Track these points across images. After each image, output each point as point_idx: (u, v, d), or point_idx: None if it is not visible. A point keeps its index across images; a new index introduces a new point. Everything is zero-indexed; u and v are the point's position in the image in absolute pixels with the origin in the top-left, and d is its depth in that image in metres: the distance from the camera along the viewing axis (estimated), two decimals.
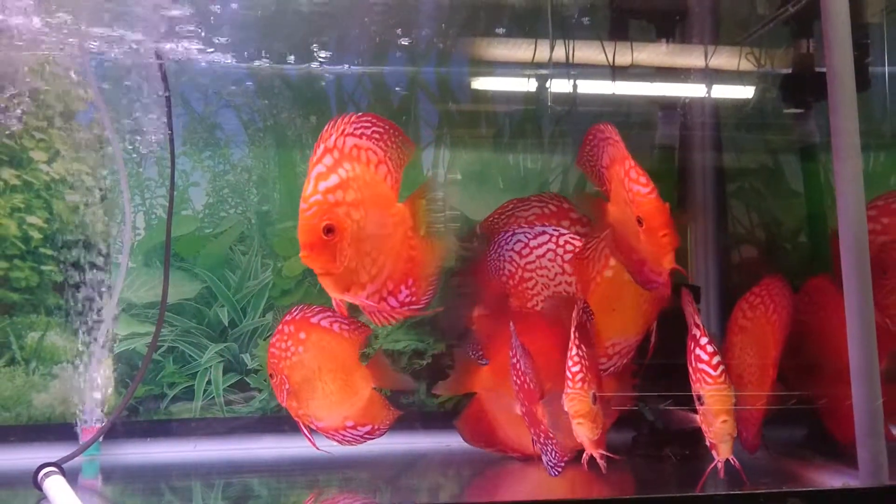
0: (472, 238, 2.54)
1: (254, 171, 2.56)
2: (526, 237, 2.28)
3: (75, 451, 2.08)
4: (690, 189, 2.64)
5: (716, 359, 1.92)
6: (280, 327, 2.10)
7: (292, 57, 2.50)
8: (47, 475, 1.87)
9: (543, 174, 2.69)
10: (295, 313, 2.11)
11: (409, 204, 1.96)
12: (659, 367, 2.24)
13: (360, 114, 1.88)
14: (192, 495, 2.11)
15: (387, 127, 1.92)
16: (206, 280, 2.52)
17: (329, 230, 1.74)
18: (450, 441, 2.37)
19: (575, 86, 2.54)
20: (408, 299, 1.95)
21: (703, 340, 1.94)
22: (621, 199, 2.00)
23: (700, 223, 2.63)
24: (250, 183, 2.55)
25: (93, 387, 2.29)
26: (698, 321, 1.98)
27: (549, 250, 2.26)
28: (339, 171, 1.79)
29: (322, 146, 1.80)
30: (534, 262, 2.27)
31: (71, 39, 2.20)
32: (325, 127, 1.83)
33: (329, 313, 2.12)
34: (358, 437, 2.14)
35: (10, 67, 2.31)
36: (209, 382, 2.51)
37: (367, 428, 2.14)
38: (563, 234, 2.25)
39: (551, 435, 1.96)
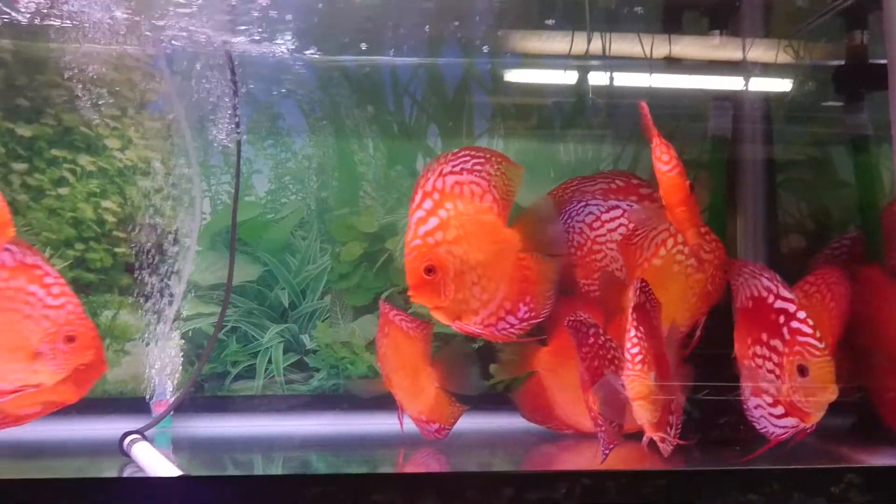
0: None
1: (314, 160, 2.66)
2: (599, 210, 2.31)
3: (152, 422, 2.21)
4: (741, 180, 2.67)
5: (818, 332, 1.92)
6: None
7: (351, 48, 2.59)
8: (133, 441, 2.01)
9: (594, 164, 2.74)
10: (384, 308, 2.25)
11: (517, 227, 2.10)
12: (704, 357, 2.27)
13: (456, 150, 2.04)
14: (254, 467, 2.22)
15: (487, 156, 2.07)
16: (267, 263, 2.63)
17: (430, 270, 1.95)
18: (501, 422, 2.46)
19: (613, 78, 2.60)
20: (527, 315, 2.12)
21: (802, 315, 1.93)
22: (656, 176, 2.06)
23: (750, 213, 2.66)
24: (310, 171, 2.66)
25: (163, 363, 2.42)
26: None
27: (620, 224, 2.29)
28: (440, 212, 1.98)
29: (420, 191, 1.98)
30: (604, 235, 2.31)
31: (145, 32, 2.32)
32: (423, 171, 2.01)
33: (399, 312, 2.24)
34: (431, 433, 2.24)
35: (89, 59, 2.45)
36: (270, 361, 2.63)
37: (436, 426, 2.23)
38: None
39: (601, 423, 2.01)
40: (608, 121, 2.76)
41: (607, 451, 1.97)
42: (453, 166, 2.02)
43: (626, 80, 2.70)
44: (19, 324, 1.81)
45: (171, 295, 2.47)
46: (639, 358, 1.93)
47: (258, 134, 2.61)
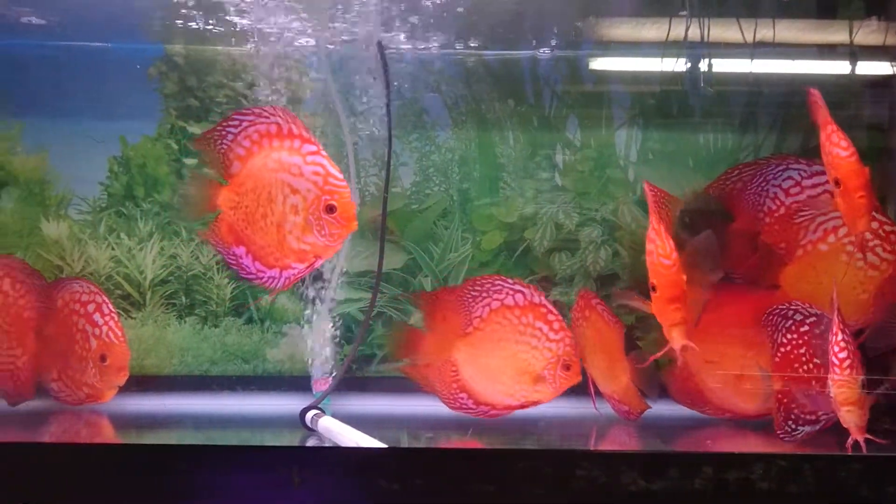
0: None
1: (456, 152, 2.76)
2: (800, 175, 2.29)
3: (320, 397, 2.37)
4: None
5: None
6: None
7: (492, 43, 2.68)
8: (317, 416, 2.17)
9: (734, 153, 2.73)
10: (587, 294, 2.36)
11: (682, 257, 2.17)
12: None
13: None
14: (400, 442, 2.34)
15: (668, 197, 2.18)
16: (412, 252, 2.75)
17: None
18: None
19: (754, 67, 2.61)
20: None
21: None
22: (824, 163, 2.05)
23: None
24: (453, 163, 2.76)
25: (318, 344, 2.58)
26: None
27: (825, 191, 2.22)
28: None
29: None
30: (803, 201, 2.29)
31: (303, 33, 2.48)
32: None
33: (601, 301, 2.34)
34: (623, 413, 2.33)
35: (251, 60, 2.64)
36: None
37: (627, 408, 2.32)
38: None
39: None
40: (748, 110, 2.75)
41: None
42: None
43: (768, 67, 2.70)
44: (527, 353, 2.19)
45: (325, 280, 2.63)
46: (847, 363, 1.90)
47: (404, 128, 2.73)
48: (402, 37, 2.54)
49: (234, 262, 1.99)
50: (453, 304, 2.25)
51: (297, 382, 2.61)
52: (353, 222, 1.93)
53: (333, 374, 2.50)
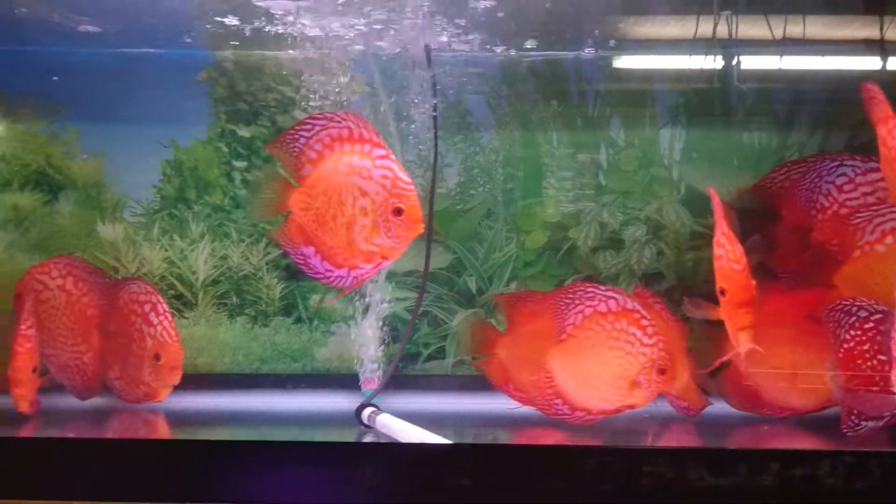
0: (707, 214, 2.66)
1: (500, 153, 2.79)
2: (854, 171, 2.28)
3: (372, 395, 2.42)
4: None
5: None
6: None
7: (536, 44, 2.70)
8: (374, 413, 2.22)
9: (779, 151, 2.73)
10: (643, 292, 2.38)
11: None
12: None
13: None
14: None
15: None
16: (456, 252, 2.79)
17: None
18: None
19: (799, 64, 2.61)
20: None
21: None
22: (883, 157, 2.01)
23: None
24: (497, 163, 2.79)
25: (365, 343, 2.63)
26: None
27: (880, 189, 2.23)
28: None
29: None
30: (856, 199, 2.29)
31: (351, 36, 2.53)
32: None
33: (659, 300, 2.37)
34: (681, 408, 2.36)
35: (298, 64, 2.69)
36: (459, 344, 2.79)
37: (686, 404, 2.35)
38: None
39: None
40: (792, 107, 2.74)
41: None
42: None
43: (812, 64, 2.69)
44: (622, 359, 2.20)
45: (373, 281, 2.67)
46: None
47: (449, 129, 2.76)
48: (447, 39, 2.57)
49: (301, 261, 2.04)
50: (546, 311, 2.28)
51: (345, 381, 2.66)
52: (419, 224, 1.97)
53: (382, 372, 2.56)
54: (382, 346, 2.62)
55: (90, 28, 2.50)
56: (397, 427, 2.05)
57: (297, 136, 2.02)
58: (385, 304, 2.68)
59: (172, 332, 2.39)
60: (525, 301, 2.34)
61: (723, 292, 2.10)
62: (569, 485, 1.61)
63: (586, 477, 1.61)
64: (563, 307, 2.24)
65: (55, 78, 2.69)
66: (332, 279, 2.03)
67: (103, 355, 2.45)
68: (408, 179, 1.98)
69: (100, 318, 2.45)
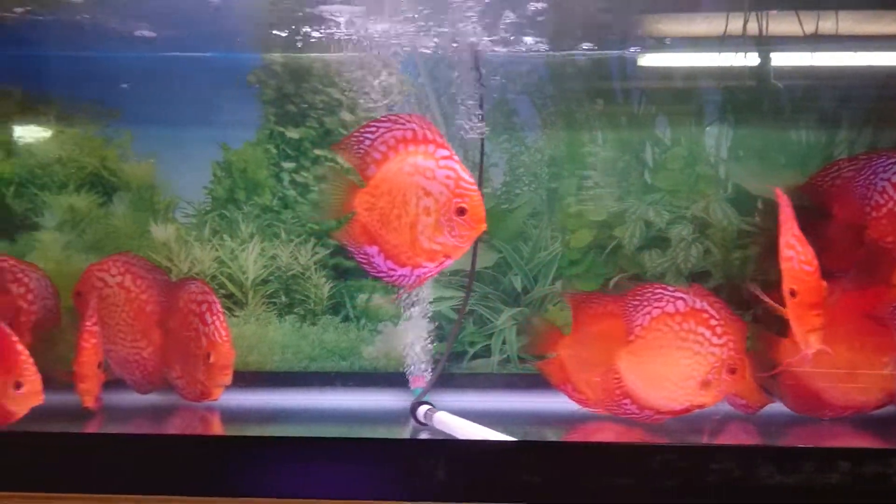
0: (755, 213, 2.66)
1: (545, 152, 2.80)
2: None
3: (422, 393, 2.46)
4: None
5: None
6: None
7: (581, 44, 2.70)
8: (431, 411, 2.25)
9: (827, 149, 2.71)
10: (700, 291, 2.34)
11: None
12: None
13: None
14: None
15: None
16: (502, 251, 2.80)
17: None
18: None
19: (847, 61, 2.60)
20: None
21: None
22: None
23: None
24: (542, 162, 2.80)
25: (413, 342, 2.66)
26: None
27: None
28: None
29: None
30: None
31: (398, 37, 2.56)
32: None
33: (717, 300, 2.33)
34: (739, 406, 2.37)
35: (345, 66, 2.73)
36: (504, 343, 2.81)
37: (744, 401, 2.36)
38: None
39: None
40: (840, 105, 2.72)
41: None
42: None
43: (862, 61, 2.66)
44: (691, 359, 2.22)
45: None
46: None
47: (494, 129, 2.78)
48: (493, 39, 2.59)
49: (364, 261, 2.08)
50: (613, 313, 2.30)
51: (392, 379, 2.70)
52: (482, 224, 2.00)
53: (431, 371, 2.58)
54: (429, 345, 2.65)
55: (146, 33, 2.56)
56: (457, 425, 2.07)
57: (362, 138, 2.06)
58: (431, 304, 2.72)
59: (223, 333, 2.42)
60: (592, 302, 2.36)
61: (793, 293, 2.10)
62: (635, 482, 1.62)
63: (652, 474, 1.62)
64: (631, 309, 2.26)
65: (110, 82, 2.76)
66: (395, 278, 2.07)
67: (165, 352, 2.50)
68: (471, 179, 2.01)
69: (160, 314, 2.51)
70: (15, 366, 1.98)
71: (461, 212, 1.98)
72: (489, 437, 1.90)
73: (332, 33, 2.58)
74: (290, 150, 2.81)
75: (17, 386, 1.98)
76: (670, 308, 2.23)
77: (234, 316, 2.77)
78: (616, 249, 2.77)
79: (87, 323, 2.32)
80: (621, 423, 2.31)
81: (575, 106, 2.79)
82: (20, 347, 2.01)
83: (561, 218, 2.80)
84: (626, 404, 2.25)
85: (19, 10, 2.31)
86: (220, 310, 2.45)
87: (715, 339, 2.20)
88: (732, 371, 2.21)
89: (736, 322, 2.28)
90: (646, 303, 2.24)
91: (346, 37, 2.59)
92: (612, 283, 2.76)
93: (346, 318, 2.81)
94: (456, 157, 2.03)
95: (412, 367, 2.59)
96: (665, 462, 1.61)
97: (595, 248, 2.79)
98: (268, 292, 2.80)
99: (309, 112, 2.80)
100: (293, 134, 2.81)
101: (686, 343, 2.22)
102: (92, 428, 2.23)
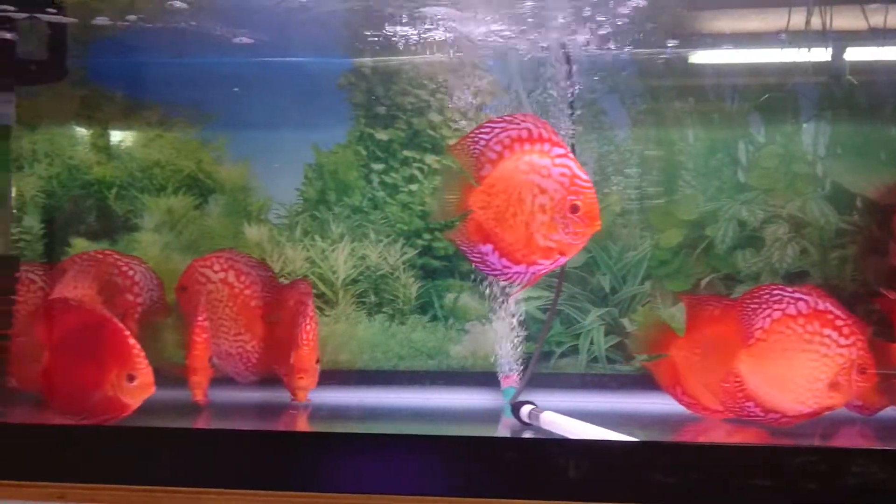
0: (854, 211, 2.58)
1: (635, 151, 2.78)
2: None
3: (517, 392, 2.45)
4: None
5: None
6: None
7: (670, 41, 2.66)
8: (536, 411, 2.23)
9: None
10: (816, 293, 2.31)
11: None
12: None
13: None
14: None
15: None
16: (590, 250, 2.78)
17: None
18: None
19: None
20: None
21: None
22: None
23: None
24: (631, 162, 2.78)
25: (501, 342, 2.66)
26: None
27: None
28: None
29: None
30: None
31: (485, 38, 2.57)
32: None
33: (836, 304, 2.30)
34: (853, 407, 2.30)
35: (433, 69, 2.77)
36: (591, 343, 2.80)
37: (860, 403, 2.28)
38: None
39: None
40: None
41: None
42: None
43: None
44: (817, 361, 2.19)
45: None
46: None
47: (584, 128, 2.76)
48: (583, 39, 2.58)
49: (478, 259, 2.09)
50: (731, 316, 2.26)
51: (479, 378, 2.71)
52: (596, 222, 2.00)
53: (522, 371, 2.58)
54: (519, 345, 2.65)
55: (244, 40, 2.62)
56: (569, 425, 2.05)
57: (477, 139, 2.07)
58: (520, 303, 2.72)
59: (305, 336, 2.42)
60: (708, 304, 2.33)
61: None
62: (775, 484, 1.59)
63: (793, 476, 1.59)
64: (750, 312, 2.21)
65: (207, 87, 2.83)
66: (509, 275, 2.07)
67: (269, 346, 2.53)
68: (585, 177, 2.00)
69: (264, 309, 2.55)
70: (128, 359, 2.03)
71: (575, 209, 1.97)
72: (607, 437, 1.88)
73: (422, 35, 2.60)
74: (380, 151, 2.85)
75: (131, 378, 2.03)
76: (791, 310, 2.18)
77: (325, 315, 2.82)
78: (707, 249, 2.73)
79: (199, 318, 2.39)
80: (726, 426, 2.28)
81: (665, 104, 2.76)
82: (132, 341, 2.05)
83: (651, 217, 2.78)
84: (749, 407, 2.22)
85: (132, 17, 2.41)
86: (311, 313, 2.44)
87: (843, 340, 2.15)
88: (863, 371, 2.15)
89: (858, 321, 2.21)
90: (764, 305, 2.20)
91: (435, 39, 2.62)
92: (703, 283, 2.73)
93: (434, 318, 2.82)
94: (571, 155, 2.02)
95: (503, 367, 2.60)
96: (804, 464, 1.57)
97: (686, 248, 2.75)
98: (357, 292, 2.84)
99: (398, 114, 2.84)
100: (382, 135, 2.85)
101: (811, 345, 2.17)
102: (201, 423, 2.29)
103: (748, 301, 2.23)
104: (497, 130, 2.06)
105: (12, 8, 2.30)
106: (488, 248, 2.07)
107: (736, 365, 2.23)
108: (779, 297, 2.19)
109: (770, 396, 2.22)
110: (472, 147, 2.08)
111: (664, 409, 2.50)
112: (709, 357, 2.28)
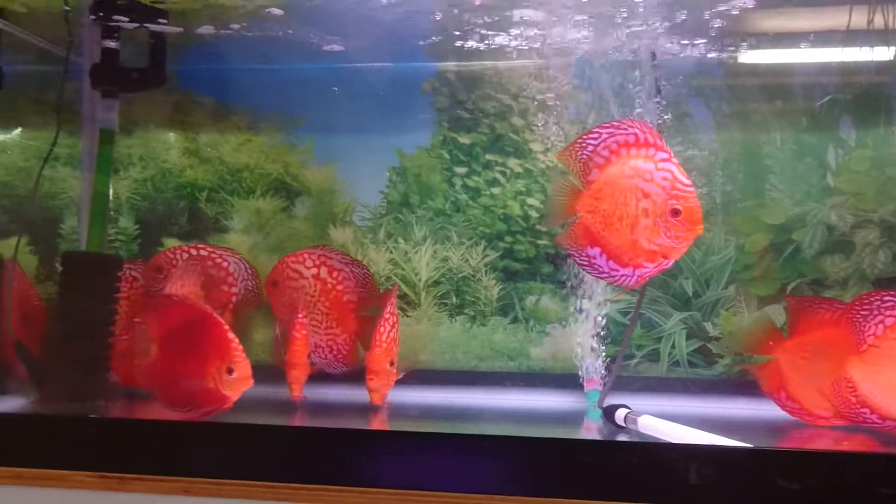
0: None
1: (719, 154, 2.75)
2: None
3: (602, 396, 2.49)
4: None
5: None
6: None
7: (756, 44, 2.64)
8: (633, 414, 2.21)
9: None
10: None
11: None
12: None
13: None
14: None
15: None
16: None
17: None
18: None
19: None
20: None
21: None
22: None
23: None
24: (716, 165, 2.75)
25: (587, 344, 2.67)
26: None
27: None
28: None
29: None
30: None
31: (569, 44, 2.59)
32: None
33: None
34: None
35: (515, 73, 2.80)
36: (673, 346, 2.78)
37: None
38: None
39: None
40: None
41: None
42: None
43: None
44: None
45: (585, 282, 2.71)
46: None
47: (668, 132, 2.75)
48: (668, 42, 2.57)
49: (585, 262, 2.13)
50: (841, 321, 2.24)
51: (560, 380, 2.72)
52: (697, 226, 2.01)
53: (606, 374, 2.60)
54: (600, 348, 2.65)
55: (335, 47, 2.69)
56: (671, 430, 2.03)
57: (585, 145, 2.12)
58: (601, 306, 2.72)
59: (379, 338, 2.42)
60: (816, 308, 2.30)
61: None
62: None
63: None
64: (861, 317, 2.19)
65: (295, 92, 2.91)
66: (617, 278, 2.11)
67: (363, 340, 2.56)
68: (687, 181, 2.01)
69: (357, 304, 2.59)
70: (227, 352, 2.08)
71: (676, 213, 1.99)
72: (715, 442, 1.85)
73: (507, 41, 2.63)
74: (462, 155, 2.89)
75: (230, 371, 2.07)
76: None
77: (407, 316, 2.87)
78: (794, 254, 2.69)
79: (300, 315, 2.46)
80: (818, 431, 2.25)
81: (751, 107, 2.73)
82: (231, 335, 2.10)
83: (736, 221, 2.75)
84: (864, 413, 2.19)
85: (235, 26, 2.49)
86: (387, 317, 2.44)
87: None
88: None
89: None
90: (876, 311, 2.16)
91: (519, 44, 2.64)
92: (789, 287, 2.69)
93: (515, 320, 2.85)
94: (674, 160, 2.04)
95: (585, 370, 2.61)
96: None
97: (772, 252, 2.72)
98: (439, 293, 2.88)
99: (481, 118, 2.87)
100: (465, 140, 2.88)
101: None
102: (299, 421, 2.33)
103: (859, 307, 2.20)
104: (604, 136, 2.10)
105: (126, 19, 2.40)
106: (596, 251, 2.10)
107: (847, 371, 2.20)
108: (891, 304, 2.16)
109: (885, 404, 2.18)
110: (580, 153, 2.12)
111: (746, 413, 2.51)
112: (817, 362, 2.25)
